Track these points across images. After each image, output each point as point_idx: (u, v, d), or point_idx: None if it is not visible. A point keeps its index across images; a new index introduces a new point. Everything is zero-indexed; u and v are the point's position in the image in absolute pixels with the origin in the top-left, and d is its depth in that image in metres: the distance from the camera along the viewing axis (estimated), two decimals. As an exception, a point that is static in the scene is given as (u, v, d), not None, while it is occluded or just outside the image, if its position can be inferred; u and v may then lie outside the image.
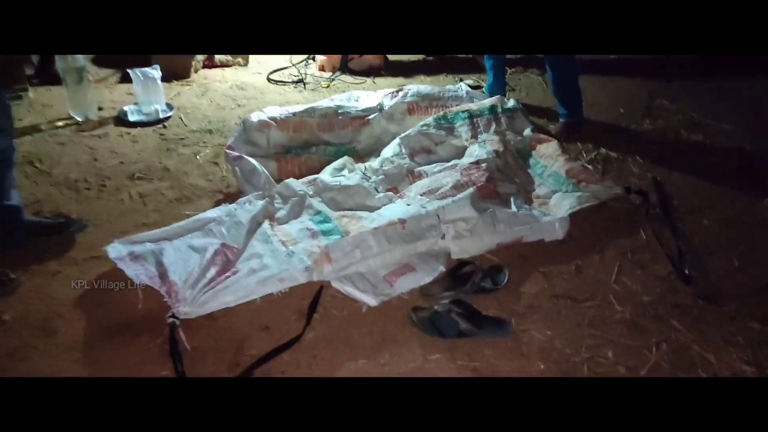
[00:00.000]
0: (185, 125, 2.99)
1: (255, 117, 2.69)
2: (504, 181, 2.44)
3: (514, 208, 2.26)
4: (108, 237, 2.03)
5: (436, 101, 3.07)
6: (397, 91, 3.06)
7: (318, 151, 2.70)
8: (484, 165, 2.45)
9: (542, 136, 2.81)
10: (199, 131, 2.94)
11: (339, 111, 2.84)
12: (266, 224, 2.18)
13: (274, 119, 2.67)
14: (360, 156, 2.75)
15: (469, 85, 3.40)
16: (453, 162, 2.59)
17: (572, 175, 2.49)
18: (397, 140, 2.71)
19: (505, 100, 3.06)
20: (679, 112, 3.29)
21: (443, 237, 2.10)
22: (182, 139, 2.85)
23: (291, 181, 2.39)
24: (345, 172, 2.54)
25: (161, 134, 2.88)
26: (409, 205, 2.26)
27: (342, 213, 2.26)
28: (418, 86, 3.13)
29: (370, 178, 2.48)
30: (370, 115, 2.88)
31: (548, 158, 2.64)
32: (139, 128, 2.92)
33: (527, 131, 2.88)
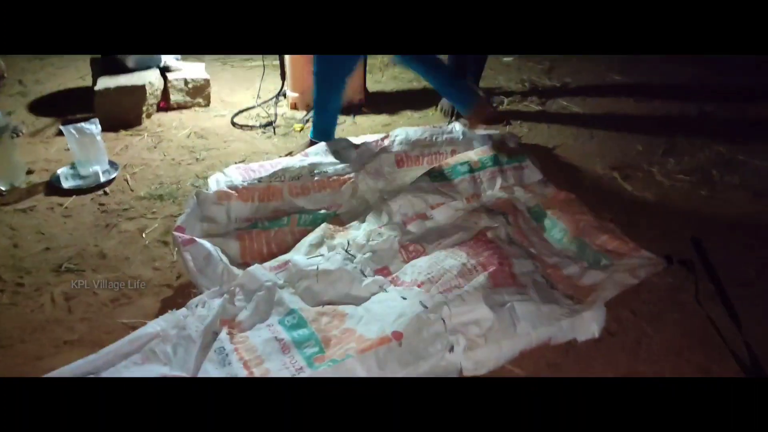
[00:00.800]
0: (131, 190, 2.52)
1: (212, 184, 2.26)
2: (519, 258, 1.99)
3: (535, 299, 1.80)
4: (15, 365, 1.55)
5: (428, 148, 2.65)
6: (383, 139, 2.60)
7: (290, 221, 2.23)
8: (490, 234, 2.00)
9: (557, 191, 2.36)
10: (147, 197, 2.47)
11: (314, 170, 2.40)
12: (224, 334, 1.69)
13: (234, 188, 2.22)
14: (342, 222, 2.29)
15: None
16: (454, 236, 2.11)
17: (600, 245, 2.05)
18: (386, 204, 2.25)
19: (510, 142, 2.62)
20: (704, 147, 2.87)
21: (451, 349, 1.64)
22: (126, 209, 2.39)
23: (256, 268, 1.92)
24: (324, 249, 2.07)
25: (101, 204, 2.41)
26: (405, 299, 1.80)
27: (320, 309, 1.80)
28: (406, 130, 2.71)
29: (355, 257, 2.02)
30: (351, 172, 2.42)
31: (566, 218, 2.19)
32: (74, 197, 2.44)
33: (538, 185, 2.44)
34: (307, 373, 1.52)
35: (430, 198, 2.29)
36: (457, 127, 2.87)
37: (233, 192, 2.21)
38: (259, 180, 2.29)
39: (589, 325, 1.77)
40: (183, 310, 1.76)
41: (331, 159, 2.51)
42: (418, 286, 1.84)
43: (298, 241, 2.12)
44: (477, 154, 2.54)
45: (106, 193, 2.47)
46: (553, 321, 1.75)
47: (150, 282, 1.99)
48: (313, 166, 2.41)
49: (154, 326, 1.69)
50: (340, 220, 2.29)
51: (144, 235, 2.23)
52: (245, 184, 2.25)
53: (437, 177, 2.40)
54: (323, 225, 2.19)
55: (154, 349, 1.63)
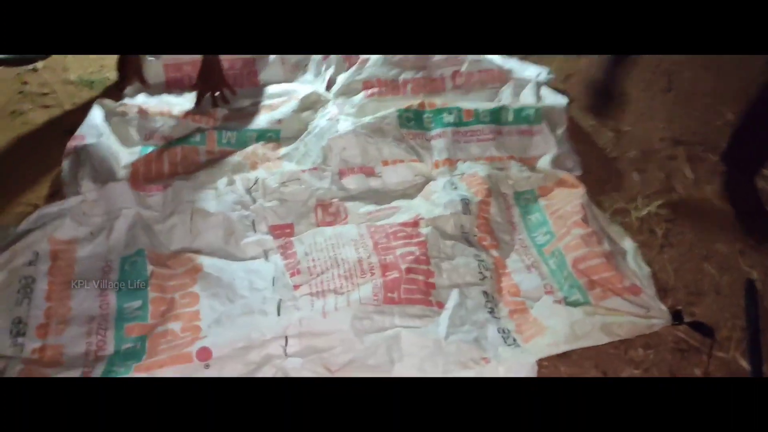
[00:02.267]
0: (64, 70, 2.16)
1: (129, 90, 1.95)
2: (457, 260, 1.45)
3: (442, 328, 1.29)
4: None
5: (418, 70, 2.02)
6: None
7: (207, 138, 1.80)
8: (424, 226, 1.43)
9: (566, 175, 1.70)
10: (77, 82, 2.12)
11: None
12: (43, 267, 1.38)
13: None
14: (280, 146, 1.83)
15: None
16: (391, 214, 1.58)
17: (585, 270, 1.43)
18: (323, 141, 1.74)
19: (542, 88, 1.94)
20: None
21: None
22: (46, 94, 2.06)
23: (120, 185, 1.54)
24: (223, 179, 1.64)
25: (23, 83, 2.11)
26: (272, 285, 1.39)
27: (175, 258, 1.44)
28: None
29: (256, 201, 1.57)
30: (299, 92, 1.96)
31: (562, 218, 1.56)
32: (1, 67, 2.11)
33: (545, 160, 1.77)
34: (107, 348, 1.27)
35: (387, 149, 1.74)
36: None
37: (143, 106, 1.84)
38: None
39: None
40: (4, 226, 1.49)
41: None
42: (293, 274, 1.40)
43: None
44: (475, 102, 1.89)
45: (35, 70, 2.13)
46: (453, 366, 1.24)
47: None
48: (259, 94, 1.97)
49: None
50: (277, 144, 1.83)
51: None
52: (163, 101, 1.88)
53: (410, 120, 1.82)
54: (250, 148, 1.77)
55: None
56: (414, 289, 1.36)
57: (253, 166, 1.72)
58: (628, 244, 1.57)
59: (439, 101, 1.87)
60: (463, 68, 2.06)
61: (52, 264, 1.37)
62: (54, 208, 1.47)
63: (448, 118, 1.82)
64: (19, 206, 1.63)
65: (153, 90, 1.99)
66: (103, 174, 1.59)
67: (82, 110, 1.90)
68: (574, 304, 1.40)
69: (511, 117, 1.84)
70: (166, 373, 1.16)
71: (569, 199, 1.60)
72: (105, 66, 2.16)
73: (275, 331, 1.26)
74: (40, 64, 2.15)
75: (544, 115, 1.83)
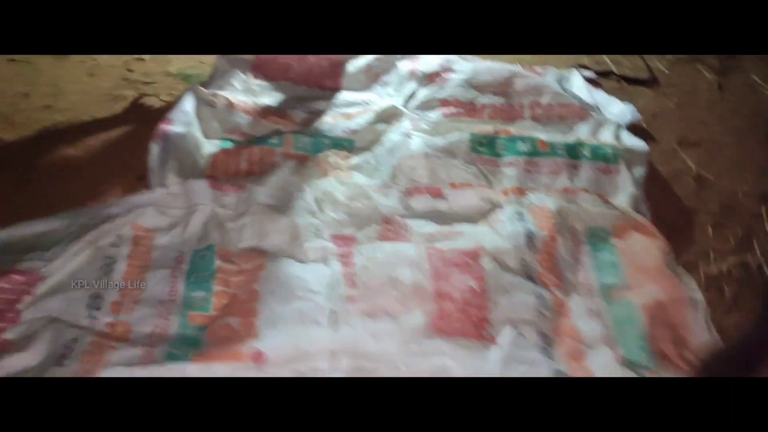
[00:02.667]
0: (167, 61, 2.31)
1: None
2: (512, 294, 1.45)
3: (494, 362, 1.31)
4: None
5: (498, 96, 2.03)
6: (442, 71, 2.08)
7: (284, 140, 1.87)
8: (484, 263, 1.45)
9: (645, 220, 1.66)
10: (175, 75, 2.25)
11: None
12: (125, 249, 1.50)
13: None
14: (348, 154, 1.87)
15: (591, 77, 2.23)
16: (456, 239, 1.59)
17: (656, 336, 1.41)
18: (393, 158, 1.78)
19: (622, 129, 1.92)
20: None
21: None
22: (147, 83, 2.21)
23: (199, 183, 1.64)
24: (293, 187, 1.71)
25: (129, 70, 2.27)
26: (328, 290, 1.44)
27: (241, 255, 1.52)
28: (475, 64, 2.11)
29: (323, 211, 1.65)
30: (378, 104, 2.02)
31: (638, 268, 1.54)
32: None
33: (622, 199, 1.74)
34: (170, 332, 1.34)
35: (456, 172, 1.76)
36: (576, 78, 2.17)
37: (233, 100, 1.93)
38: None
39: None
40: (98, 206, 1.60)
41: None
42: (349, 286, 1.44)
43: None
44: (548, 133, 1.88)
45: (142, 59, 2.29)
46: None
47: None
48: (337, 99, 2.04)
49: (62, 218, 1.54)
50: (348, 153, 1.88)
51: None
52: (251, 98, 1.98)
53: (482, 145, 1.83)
54: (326, 154, 1.82)
55: (52, 237, 1.48)
56: (466, 320, 1.37)
57: (324, 173, 1.77)
58: (699, 298, 1.51)
59: (513, 129, 1.87)
60: (543, 100, 2.05)
61: (133, 248, 1.48)
62: (142, 197, 1.59)
63: (523, 147, 1.82)
64: (108, 185, 1.76)
65: (239, 66, 2.09)
66: (187, 166, 1.70)
67: (175, 99, 2.02)
68: (637, 366, 1.36)
69: (588, 153, 1.81)
70: (218, 369, 1.22)
71: (649, 250, 1.56)
72: (204, 62, 2.30)
73: (325, 345, 1.30)
74: (147, 56, 2.32)
75: (622, 155, 1.80)
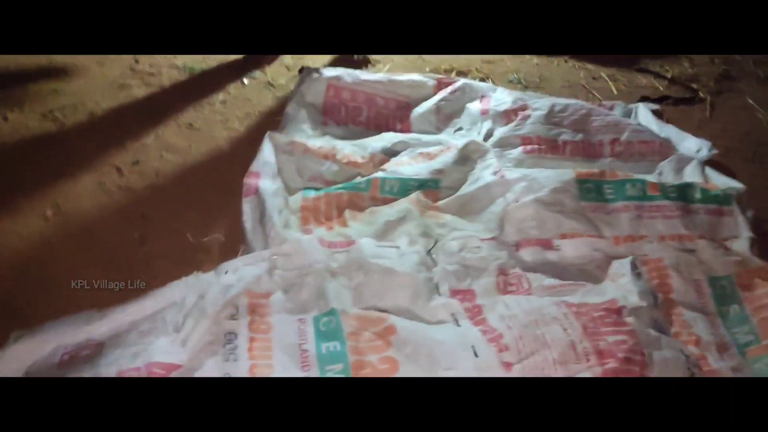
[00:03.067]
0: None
1: (291, 119, 1.97)
2: (664, 353, 1.35)
3: None
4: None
5: (575, 132, 2.00)
6: (519, 108, 2.01)
7: (370, 184, 1.78)
8: (629, 320, 1.36)
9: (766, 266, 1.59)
10: (180, 68, 2.28)
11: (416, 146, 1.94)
12: (244, 313, 1.35)
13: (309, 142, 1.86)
14: (438, 196, 1.80)
15: (655, 108, 2.25)
16: (577, 289, 1.50)
17: None
18: (500, 204, 1.71)
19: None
20: None
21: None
22: (152, 74, 2.23)
23: (310, 240, 1.55)
24: (404, 238, 1.60)
25: (135, 60, 2.28)
26: (476, 356, 1.30)
27: (367, 316, 1.38)
28: (552, 100, 2.07)
29: (436, 264, 1.54)
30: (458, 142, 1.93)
31: (764, 320, 1.45)
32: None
33: (740, 243, 1.67)
34: None
35: (566, 222, 1.67)
36: (642, 110, 2.12)
37: (309, 145, 1.83)
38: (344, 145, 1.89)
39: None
40: (210, 274, 1.46)
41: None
42: (500, 350, 1.31)
43: (376, 211, 1.71)
44: (654, 174, 1.81)
45: (149, 51, 2.33)
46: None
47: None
48: (414, 141, 1.93)
49: (173, 290, 1.40)
50: (436, 193, 1.80)
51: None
52: (326, 142, 1.88)
53: (590, 191, 1.75)
54: (413, 195, 1.74)
55: (165, 318, 1.34)
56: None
57: (422, 213, 1.69)
58: None
59: (620, 172, 1.80)
60: (623, 137, 2.01)
61: (251, 319, 1.32)
62: (250, 260, 1.46)
63: (632, 191, 1.74)
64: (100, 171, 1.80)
65: (310, 112, 2.03)
66: (282, 221, 1.58)
67: (176, 91, 2.13)
68: None
69: (699, 195, 1.75)
70: None
71: None
72: (208, 56, 2.34)
73: None
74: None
75: (731, 197, 1.74)
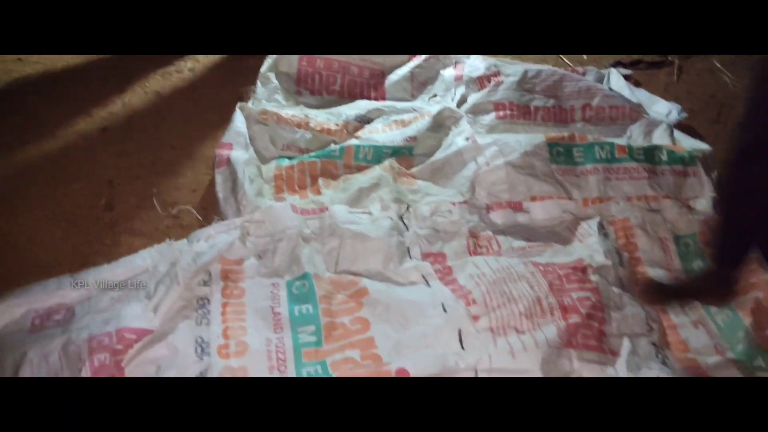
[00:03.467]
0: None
1: (260, 93, 1.94)
2: (624, 310, 1.41)
3: (620, 374, 1.28)
4: None
5: (547, 98, 2.01)
6: (493, 74, 2.01)
7: (344, 152, 1.79)
8: (594, 278, 1.41)
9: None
10: None
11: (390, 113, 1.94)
12: (217, 279, 1.37)
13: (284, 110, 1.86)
14: (412, 163, 1.82)
15: (626, 73, 2.24)
16: (546, 249, 1.54)
17: (764, 336, 1.39)
18: (471, 168, 1.72)
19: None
20: None
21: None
22: None
23: (283, 207, 1.56)
24: (376, 204, 1.62)
25: None
26: (445, 311, 1.35)
27: (339, 280, 1.42)
28: (525, 66, 2.07)
29: (408, 229, 1.57)
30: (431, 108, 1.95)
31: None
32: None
33: (703, 203, 1.72)
34: (288, 371, 1.22)
35: (537, 185, 1.70)
36: (614, 74, 2.16)
37: (281, 114, 1.82)
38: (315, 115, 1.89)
39: None
40: (183, 242, 1.48)
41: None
42: (468, 304, 1.35)
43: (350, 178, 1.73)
44: (622, 138, 1.86)
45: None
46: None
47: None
48: (388, 108, 1.93)
49: (144, 258, 1.43)
50: (410, 160, 1.82)
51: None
52: (300, 111, 1.88)
53: (560, 154, 1.77)
54: (387, 163, 1.76)
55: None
56: (590, 335, 1.32)
57: (395, 179, 1.71)
58: None
59: (590, 136, 1.82)
60: (594, 102, 2.03)
61: (224, 284, 1.35)
62: (222, 228, 1.47)
63: (600, 153, 1.77)
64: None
65: (283, 81, 2.01)
66: (254, 190, 1.59)
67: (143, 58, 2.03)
68: (751, 368, 1.35)
69: (665, 157, 1.78)
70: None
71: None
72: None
73: (466, 363, 1.23)
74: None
75: (699, 158, 1.78)
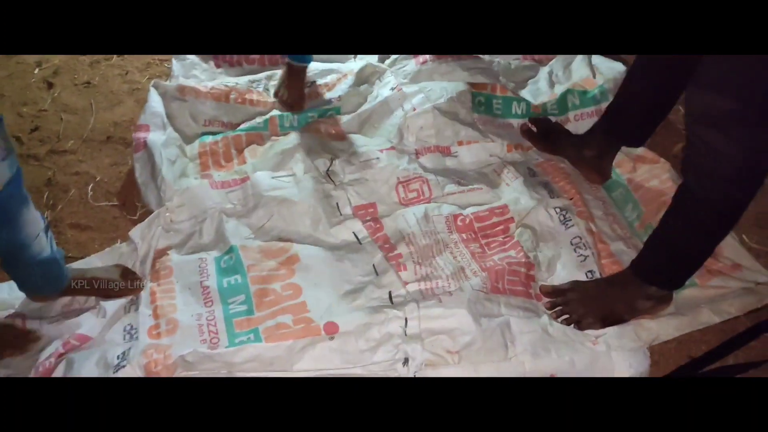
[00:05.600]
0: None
1: (176, 69, 1.93)
2: (549, 254, 1.49)
3: (545, 317, 1.35)
4: None
5: None
6: None
7: (269, 123, 1.79)
8: (518, 232, 1.50)
9: (644, 150, 1.70)
10: None
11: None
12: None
13: (202, 84, 1.85)
14: (337, 121, 1.82)
15: None
16: (474, 192, 1.60)
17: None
18: (398, 115, 1.75)
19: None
20: None
21: (405, 362, 1.26)
22: None
23: (200, 186, 1.57)
24: (299, 165, 1.63)
25: None
26: (378, 274, 1.41)
27: (268, 247, 1.45)
28: None
29: (335, 184, 1.60)
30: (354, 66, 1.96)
31: (650, 193, 1.60)
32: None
33: None
34: (221, 343, 1.25)
35: (463, 129, 1.74)
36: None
37: (201, 88, 1.81)
38: (237, 83, 1.87)
39: (617, 367, 1.27)
40: (124, 244, 1.50)
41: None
42: (399, 270, 1.41)
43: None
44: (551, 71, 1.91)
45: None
46: (563, 352, 1.27)
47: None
48: (313, 73, 1.92)
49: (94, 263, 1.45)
50: (336, 120, 1.82)
51: (35, 72, 1.96)
52: (219, 82, 1.86)
53: (481, 104, 1.82)
54: (311, 124, 1.78)
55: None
56: (516, 281, 1.40)
57: (320, 138, 1.72)
58: None
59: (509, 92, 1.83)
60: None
61: (152, 271, 1.39)
62: (146, 225, 1.48)
63: (517, 109, 1.81)
64: None
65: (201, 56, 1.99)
66: (178, 171, 1.61)
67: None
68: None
69: (577, 101, 1.81)
70: (293, 344, 1.22)
71: (654, 174, 1.62)
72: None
73: (394, 313, 1.28)
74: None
75: (608, 90, 1.80)
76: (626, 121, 1.53)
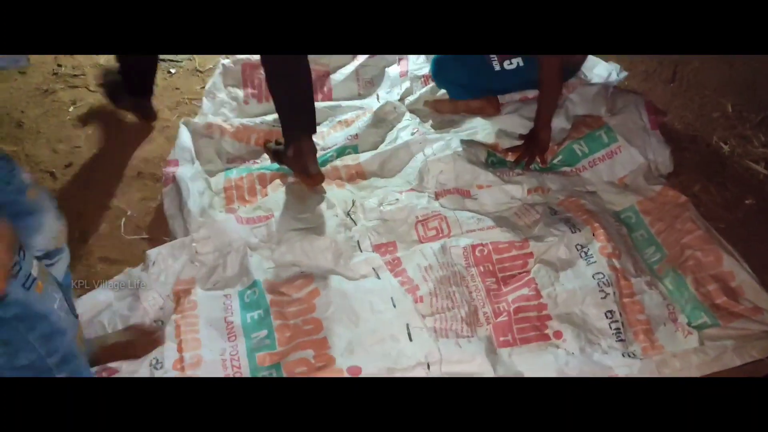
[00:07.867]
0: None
1: (206, 107, 1.99)
2: (569, 287, 1.48)
3: (561, 360, 1.37)
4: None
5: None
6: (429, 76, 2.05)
7: None
8: (534, 267, 1.52)
9: (663, 188, 1.74)
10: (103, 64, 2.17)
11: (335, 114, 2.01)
12: (169, 308, 1.43)
13: (229, 123, 1.91)
14: (357, 156, 1.86)
15: None
16: (494, 231, 1.61)
17: (706, 294, 1.49)
18: (420, 158, 1.77)
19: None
20: None
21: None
22: (75, 76, 2.15)
23: (226, 220, 1.60)
24: (323, 203, 1.66)
25: (59, 65, 2.18)
26: (394, 307, 1.41)
27: (290, 285, 1.47)
28: None
29: (356, 223, 1.62)
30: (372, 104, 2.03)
31: (671, 236, 1.62)
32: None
33: (634, 176, 1.79)
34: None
35: (482, 174, 1.76)
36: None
37: (227, 126, 1.88)
38: (261, 122, 1.93)
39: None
40: (137, 269, 1.52)
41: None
42: (416, 301, 1.44)
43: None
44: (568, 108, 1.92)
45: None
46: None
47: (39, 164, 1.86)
48: (333, 109, 1.99)
49: (105, 294, 1.46)
50: (354, 157, 1.86)
51: (70, 110, 2.05)
52: (243, 121, 1.92)
53: (494, 163, 1.84)
54: (333, 165, 1.82)
55: (103, 322, 1.41)
56: (527, 327, 1.42)
57: (340, 186, 1.75)
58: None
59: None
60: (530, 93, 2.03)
61: (176, 305, 1.42)
62: (171, 250, 1.51)
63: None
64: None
65: (229, 92, 2.05)
66: (203, 204, 1.65)
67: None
68: (701, 327, 1.44)
69: (586, 150, 1.82)
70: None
71: (675, 213, 1.64)
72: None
73: (416, 358, 1.31)
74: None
75: (615, 129, 1.81)
76: None
